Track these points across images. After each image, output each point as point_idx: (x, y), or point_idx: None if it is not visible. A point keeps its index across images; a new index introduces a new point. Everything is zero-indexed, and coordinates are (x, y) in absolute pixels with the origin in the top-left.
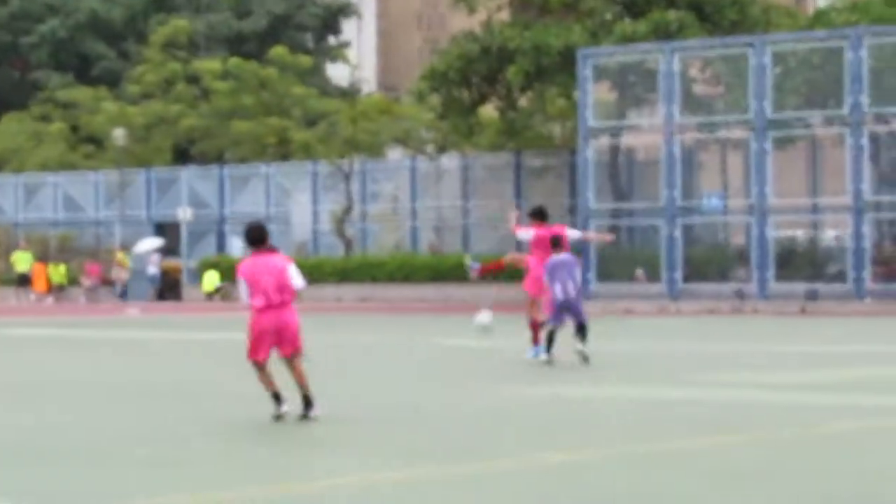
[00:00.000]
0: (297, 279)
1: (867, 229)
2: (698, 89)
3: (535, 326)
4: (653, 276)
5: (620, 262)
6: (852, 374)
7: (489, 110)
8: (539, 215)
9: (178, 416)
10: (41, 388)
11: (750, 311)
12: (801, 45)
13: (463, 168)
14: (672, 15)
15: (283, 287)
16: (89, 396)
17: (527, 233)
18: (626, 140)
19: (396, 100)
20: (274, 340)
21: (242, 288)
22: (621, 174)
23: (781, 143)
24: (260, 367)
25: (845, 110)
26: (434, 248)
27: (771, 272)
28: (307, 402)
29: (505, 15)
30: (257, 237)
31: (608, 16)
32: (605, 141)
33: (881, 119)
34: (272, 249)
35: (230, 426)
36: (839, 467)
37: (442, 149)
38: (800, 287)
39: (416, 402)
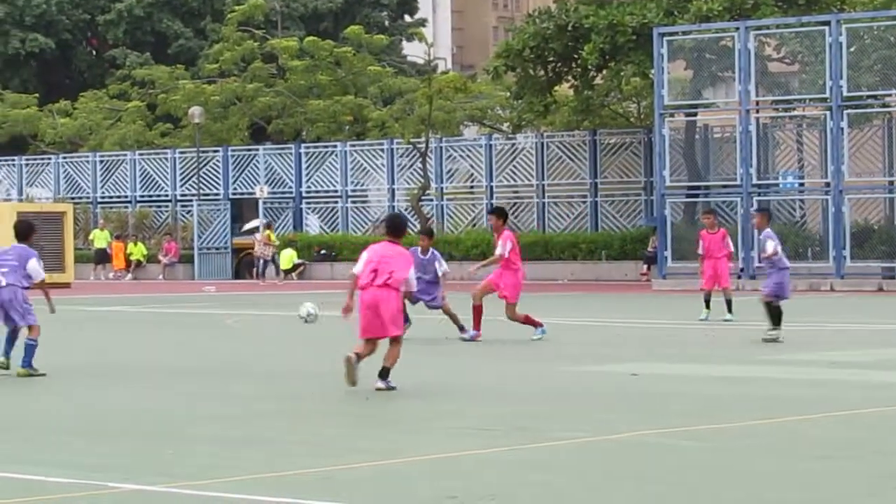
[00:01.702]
0: (411, 277)
1: None
2: (773, 67)
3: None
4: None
5: (696, 240)
6: None
7: (564, 89)
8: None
9: (254, 395)
10: (125, 366)
11: (826, 289)
12: (877, 22)
13: (538, 146)
14: None
15: (395, 277)
16: (168, 374)
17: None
18: (702, 118)
19: (472, 78)
20: (377, 319)
21: (361, 260)
22: (697, 152)
23: (857, 121)
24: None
25: None
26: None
27: (847, 251)
28: (384, 374)
29: None
30: (398, 229)
31: None
32: (680, 119)
33: None
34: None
35: (307, 404)
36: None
37: (517, 127)
38: (876, 265)
39: (491, 379)
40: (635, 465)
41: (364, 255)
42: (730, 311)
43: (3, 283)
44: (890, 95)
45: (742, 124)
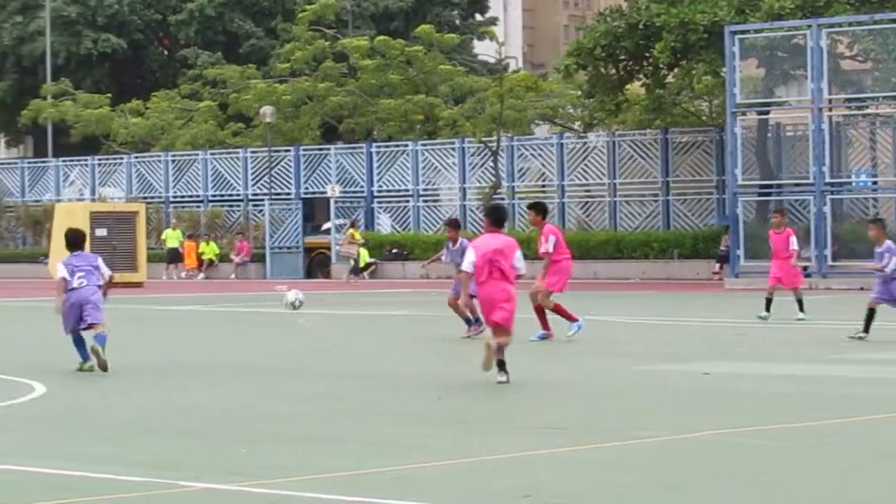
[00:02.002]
0: (519, 262)
1: None
2: (846, 65)
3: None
4: (801, 253)
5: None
6: None
7: (636, 87)
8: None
9: (324, 394)
10: (197, 365)
11: None
12: None
13: (610, 145)
14: None
15: (505, 266)
16: (239, 373)
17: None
18: (774, 116)
19: (543, 77)
20: (501, 311)
21: (469, 255)
22: (769, 150)
23: None
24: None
25: None
26: (582, 225)
27: None
28: (501, 366)
29: None
30: (499, 219)
31: None
32: (752, 117)
33: None
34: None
35: (377, 404)
36: None
37: (589, 126)
38: None
39: (561, 378)
40: (709, 465)
41: (471, 252)
42: (801, 310)
43: (85, 284)
44: None
45: (814, 122)
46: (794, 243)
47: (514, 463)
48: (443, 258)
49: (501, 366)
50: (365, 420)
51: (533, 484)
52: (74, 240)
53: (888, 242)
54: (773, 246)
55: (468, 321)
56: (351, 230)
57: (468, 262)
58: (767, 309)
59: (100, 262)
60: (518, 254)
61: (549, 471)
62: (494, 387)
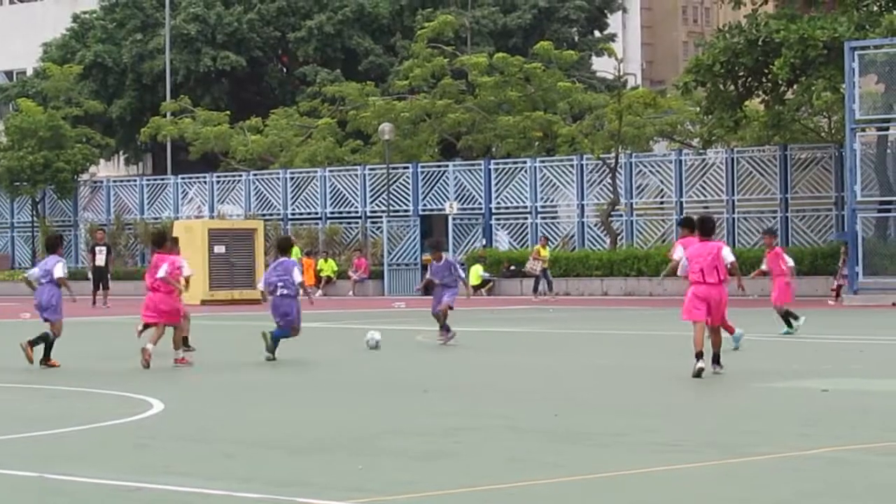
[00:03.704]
0: (728, 258)
1: None
2: None
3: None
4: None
5: (888, 255)
6: None
7: (755, 104)
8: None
9: (443, 410)
10: (319, 381)
11: None
12: None
13: (729, 161)
14: None
15: (716, 267)
16: (357, 389)
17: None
18: (894, 132)
19: (661, 93)
20: (706, 309)
21: (683, 261)
22: (889, 167)
23: None
24: (695, 325)
25: None
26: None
27: None
28: (716, 360)
29: (770, 7)
30: (708, 229)
31: (875, 7)
32: (871, 133)
33: None
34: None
35: (496, 420)
36: None
37: (707, 142)
38: None
39: (679, 394)
40: (831, 482)
41: (679, 250)
42: (789, 325)
43: (285, 293)
44: None
45: None
46: (788, 261)
47: (633, 479)
48: (429, 275)
49: (716, 359)
50: (484, 436)
51: (653, 500)
52: (284, 246)
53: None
54: (770, 266)
55: (445, 328)
56: (537, 246)
57: (678, 254)
58: (788, 325)
59: (295, 270)
60: (725, 250)
61: (669, 487)
62: (608, 403)
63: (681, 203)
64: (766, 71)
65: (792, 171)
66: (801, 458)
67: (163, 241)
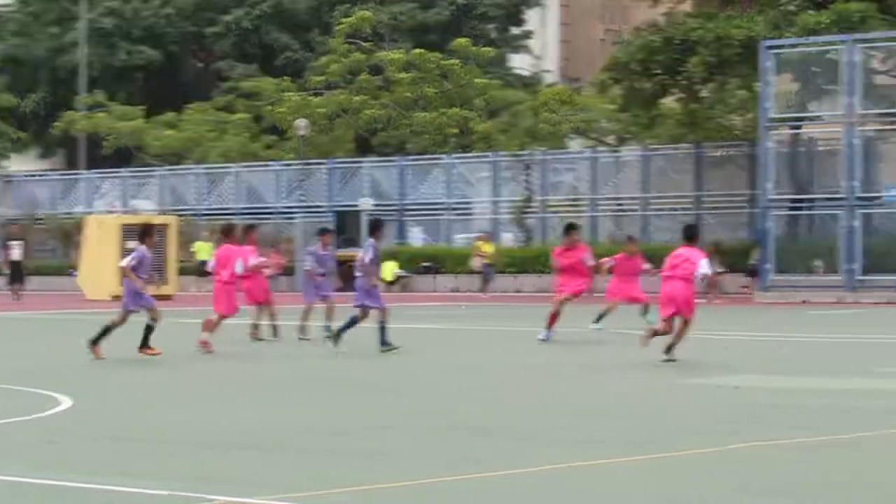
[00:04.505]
0: (704, 268)
1: None
2: (880, 80)
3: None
4: (831, 267)
5: (798, 253)
6: None
7: (670, 102)
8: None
9: (377, 408)
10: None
11: None
12: None
13: (643, 159)
14: (854, 6)
15: (688, 270)
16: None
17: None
18: (807, 131)
19: (578, 90)
20: (675, 305)
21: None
22: (801, 165)
23: None
24: (665, 320)
25: None
26: (613, 239)
27: None
28: (669, 349)
29: (687, 6)
30: (692, 233)
31: (791, 7)
32: (785, 132)
33: None
34: (696, 245)
35: (422, 418)
36: None
37: (622, 140)
38: None
39: (595, 393)
40: (744, 478)
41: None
42: (599, 321)
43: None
44: None
45: (847, 137)
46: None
47: (553, 475)
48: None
49: (670, 349)
50: (404, 433)
51: (563, 496)
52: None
53: None
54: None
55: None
56: (478, 242)
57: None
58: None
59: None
60: (703, 261)
61: (588, 484)
62: (531, 401)
63: (594, 200)
64: (681, 69)
65: (706, 168)
66: (715, 455)
67: (231, 231)
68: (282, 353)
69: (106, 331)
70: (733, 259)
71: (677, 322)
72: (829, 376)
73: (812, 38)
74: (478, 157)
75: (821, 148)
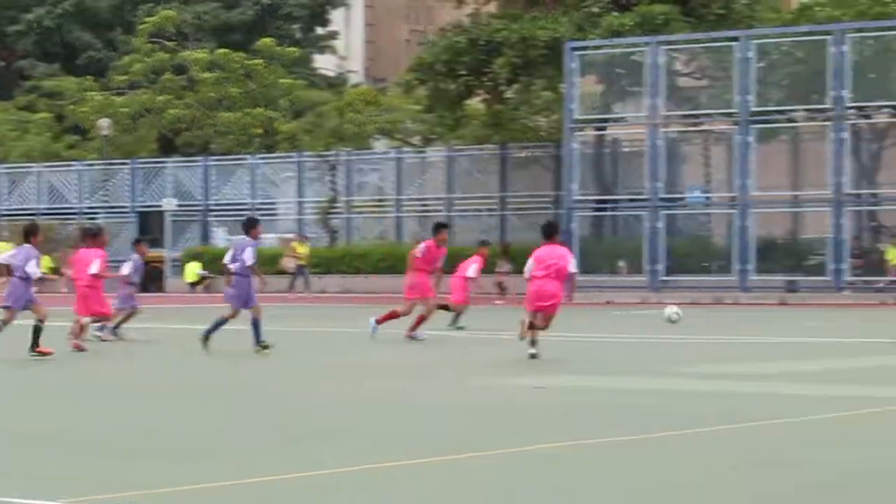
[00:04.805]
0: (571, 266)
1: (846, 222)
2: (683, 82)
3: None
4: (635, 267)
5: (603, 254)
6: (832, 364)
7: (475, 103)
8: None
9: (206, 412)
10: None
11: (730, 302)
12: (785, 39)
13: (448, 160)
14: (658, 8)
15: (560, 269)
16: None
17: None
18: (611, 132)
19: (383, 91)
20: (542, 302)
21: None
22: (606, 166)
23: (764, 137)
24: (532, 315)
25: (827, 104)
26: (418, 240)
27: (752, 264)
28: (533, 343)
29: (492, 7)
30: (552, 232)
31: (595, 9)
32: (590, 133)
33: (863, 113)
34: (557, 242)
35: (246, 421)
36: (823, 457)
37: (427, 140)
38: (779, 279)
39: (394, 393)
40: (544, 478)
41: (532, 261)
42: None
43: None
44: (796, 111)
45: (651, 138)
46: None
47: (342, 478)
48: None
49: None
50: (232, 436)
51: (359, 500)
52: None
53: None
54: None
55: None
56: (294, 243)
57: (527, 267)
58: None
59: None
60: (569, 257)
61: (374, 486)
62: (323, 400)
63: (399, 201)
64: (486, 70)
65: (511, 169)
66: (516, 455)
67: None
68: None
69: None
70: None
71: (539, 318)
72: (629, 376)
73: (616, 40)
74: (282, 157)
75: (625, 149)
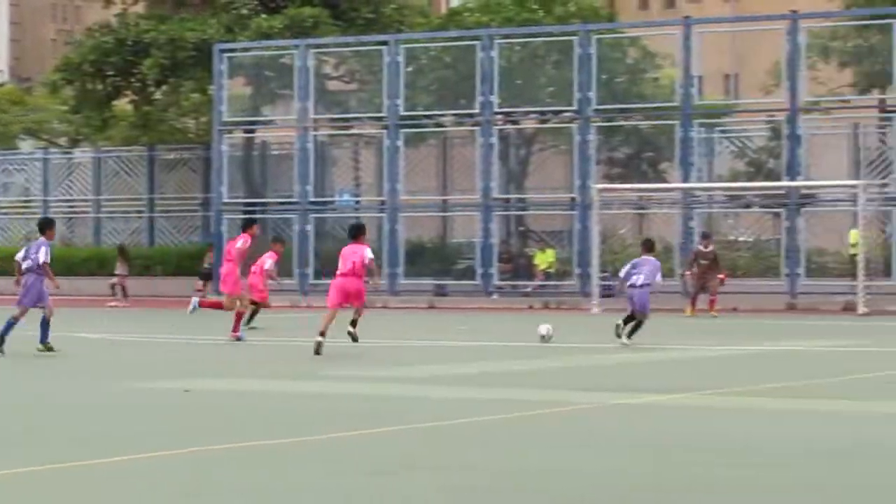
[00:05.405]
0: (367, 258)
1: (494, 227)
2: (333, 86)
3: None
4: (285, 271)
5: (252, 256)
6: (473, 368)
7: (124, 104)
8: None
9: None
10: None
11: (380, 306)
12: (434, 44)
13: (96, 161)
14: (307, 11)
15: (360, 265)
16: None
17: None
18: (261, 135)
19: (29, 91)
20: (346, 296)
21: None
22: (255, 169)
23: (413, 141)
24: (332, 311)
25: (476, 109)
26: (66, 241)
27: (401, 268)
28: (353, 338)
29: (140, 7)
30: (357, 233)
31: (244, 10)
32: (239, 135)
33: (511, 118)
34: (362, 241)
35: None
36: (471, 460)
37: (75, 141)
38: (428, 282)
39: (45, 395)
40: (177, 484)
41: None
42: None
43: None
44: (445, 115)
45: (300, 141)
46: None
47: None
48: None
49: (354, 324)
50: None
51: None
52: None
53: None
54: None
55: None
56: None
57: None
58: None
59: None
60: (367, 251)
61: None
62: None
63: (46, 202)
64: (135, 71)
65: (159, 171)
66: (152, 459)
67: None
68: None
69: None
70: (189, 262)
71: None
72: (276, 379)
73: (265, 42)
74: None
75: (275, 152)
